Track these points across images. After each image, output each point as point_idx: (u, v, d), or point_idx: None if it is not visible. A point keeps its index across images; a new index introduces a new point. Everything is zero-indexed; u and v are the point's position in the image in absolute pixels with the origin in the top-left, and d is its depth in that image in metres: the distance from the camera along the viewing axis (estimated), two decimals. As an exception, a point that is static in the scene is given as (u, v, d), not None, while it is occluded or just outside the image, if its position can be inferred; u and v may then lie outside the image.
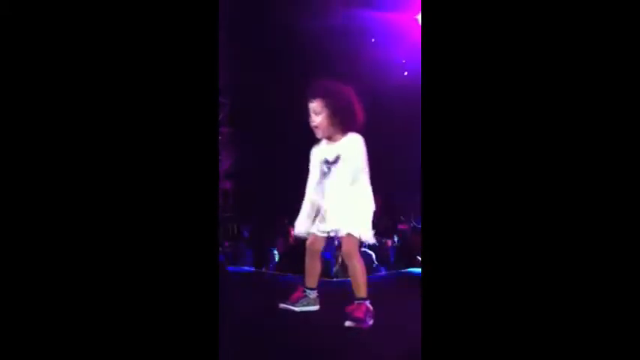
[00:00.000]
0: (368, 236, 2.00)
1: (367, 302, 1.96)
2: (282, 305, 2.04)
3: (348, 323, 1.86)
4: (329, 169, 2.01)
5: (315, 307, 2.07)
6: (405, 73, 6.65)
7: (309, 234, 2.06)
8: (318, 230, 2.04)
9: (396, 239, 6.05)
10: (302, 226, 2.10)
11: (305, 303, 2.05)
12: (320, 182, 2.04)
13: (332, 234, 2.03)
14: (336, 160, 1.99)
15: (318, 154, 2.06)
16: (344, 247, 1.99)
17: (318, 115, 1.97)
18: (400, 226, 5.68)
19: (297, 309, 2.03)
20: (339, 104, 1.97)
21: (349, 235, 1.96)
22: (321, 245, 2.06)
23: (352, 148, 1.99)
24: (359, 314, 1.89)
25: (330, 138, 2.02)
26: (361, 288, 1.95)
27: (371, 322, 1.91)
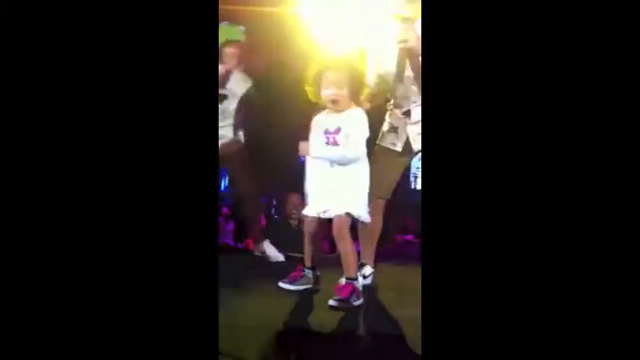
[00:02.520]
0: (364, 215, 2.01)
1: (355, 282, 1.99)
2: (280, 284, 2.10)
3: (331, 302, 1.90)
4: (329, 139, 1.99)
5: (310, 285, 2.11)
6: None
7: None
8: (310, 212, 2.04)
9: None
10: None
11: (304, 282, 2.12)
12: (320, 152, 2.00)
13: (322, 215, 2.02)
14: (337, 130, 1.97)
15: (320, 122, 2.02)
16: (335, 228, 1.97)
17: (340, 88, 1.92)
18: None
19: (293, 287, 2.09)
20: (361, 78, 1.96)
21: (341, 215, 1.96)
22: (314, 227, 2.07)
23: (355, 121, 1.96)
24: (344, 294, 1.92)
25: (336, 110, 1.98)
26: (351, 268, 1.99)
27: (357, 302, 1.95)
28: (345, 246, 1.99)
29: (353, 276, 2.00)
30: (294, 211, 4.01)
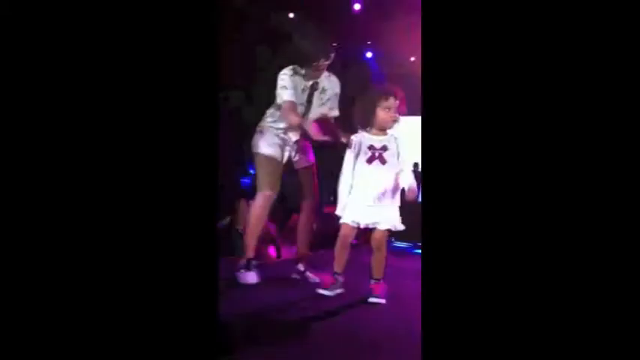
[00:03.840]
0: (400, 226, 2.41)
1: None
2: (318, 291, 2.41)
3: (373, 299, 2.29)
4: (375, 154, 2.39)
5: (342, 290, 2.43)
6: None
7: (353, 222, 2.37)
8: (353, 221, 2.37)
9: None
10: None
11: (336, 287, 2.43)
12: (362, 166, 2.39)
13: (369, 225, 2.36)
14: (384, 148, 2.40)
15: (364, 140, 2.42)
16: (379, 237, 2.38)
17: (395, 112, 2.39)
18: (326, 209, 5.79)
19: (331, 294, 2.39)
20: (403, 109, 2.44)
21: (385, 229, 2.37)
22: (353, 235, 2.41)
23: (397, 142, 2.43)
24: (381, 292, 2.33)
25: (379, 131, 2.42)
26: (382, 270, 2.40)
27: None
28: (383, 252, 2.40)
29: (381, 277, 2.39)
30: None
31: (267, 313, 2.01)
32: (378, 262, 2.40)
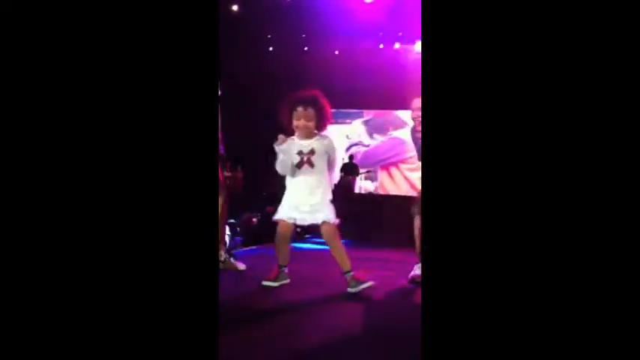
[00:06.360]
0: (335, 220, 2.50)
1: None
2: (263, 283, 2.51)
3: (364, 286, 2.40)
4: (303, 159, 2.49)
5: (287, 280, 2.58)
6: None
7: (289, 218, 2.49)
8: (289, 218, 2.48)
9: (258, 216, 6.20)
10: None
11: (282, 278, 2.56)
12: (293, 172, 2.50)
13: (303, 223, 2.49)
14: (311, 152, 2.50)
15: (293, 146, 2.51)
16: (328, 232, 2.47)
17: (309, 120, 2.45)
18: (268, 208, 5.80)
19: (276, 284, 2.52)
20: (325, 112, 2.51)
21: (327, 222, 2.46)
22: (290, 231, 2.53)
23: (325, 144, 2.53)
24: (361, 277, 2.45)
25: (305, 136, 2.51)
26: (347, 262, 2.48)
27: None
28: (338, 245, 2.48)
29: (350, 269, 2.47)
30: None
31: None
32: (337, 255, 2.48)
